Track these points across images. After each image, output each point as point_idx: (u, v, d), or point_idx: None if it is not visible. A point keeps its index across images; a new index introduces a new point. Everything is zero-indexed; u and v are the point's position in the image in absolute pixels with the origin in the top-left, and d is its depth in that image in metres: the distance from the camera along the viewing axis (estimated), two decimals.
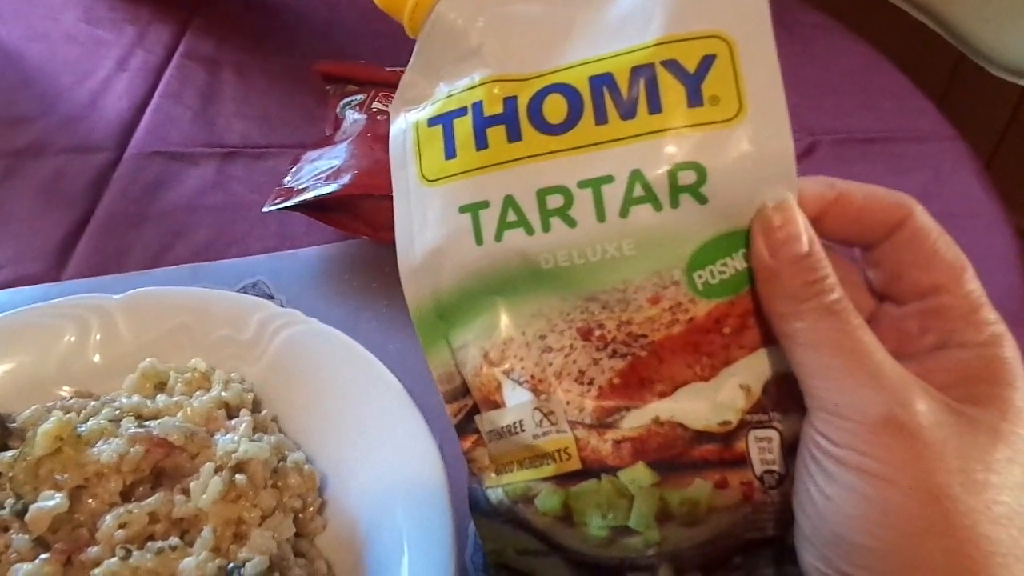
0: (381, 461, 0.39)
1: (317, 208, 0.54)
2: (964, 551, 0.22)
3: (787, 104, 0.26)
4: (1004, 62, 0.95)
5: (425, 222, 0.30)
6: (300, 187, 0.54)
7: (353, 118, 0.60)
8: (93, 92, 0.69)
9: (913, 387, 0.24)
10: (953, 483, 0.23)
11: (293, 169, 0.57)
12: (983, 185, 0.63)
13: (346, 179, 0.52)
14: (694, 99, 0.26)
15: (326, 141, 0.59)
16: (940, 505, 0.22)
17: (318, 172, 0.54)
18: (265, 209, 0.53)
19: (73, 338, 0.44)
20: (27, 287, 0.53)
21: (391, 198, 0.31)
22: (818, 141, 0.65)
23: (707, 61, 0.26)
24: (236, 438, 0.38)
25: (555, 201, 0.28)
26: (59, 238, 0.57)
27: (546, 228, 0.28)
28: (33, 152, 0.63)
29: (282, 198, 0.53)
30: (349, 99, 0.62)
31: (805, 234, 0.26)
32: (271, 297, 0.53)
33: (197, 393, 0.41)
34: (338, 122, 0.61)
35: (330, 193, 0.52)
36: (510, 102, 0.28)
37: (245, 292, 0.53)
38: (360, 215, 0.54)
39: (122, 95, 0.69)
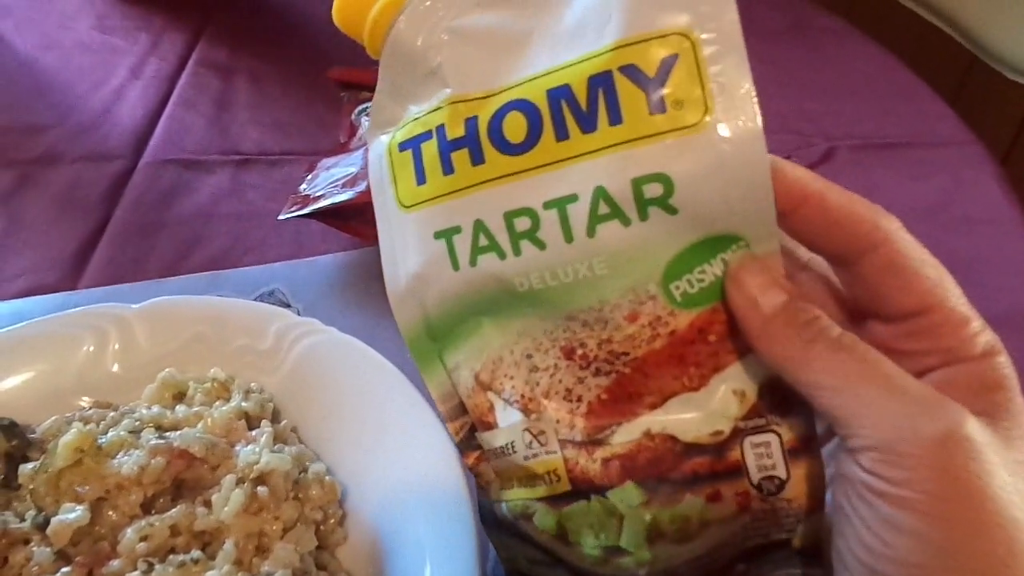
0: (402, 471, 0.39)
1: (333, 216, 0.53)
2: None
3: (758, 100, 0.24)
4: (1018, 64, 0.95)
5: (406, 248, 0.30)
6: (316, 195, 0.53)
7: (368, 125, 0.59)
8: (107, 100, 0.69)
9: (957, 405, 0.23)
10: (1012, 506, 0.22)
11: (309, 176, 0.57)
12: (1002, 190, 0.63)
13: (362, 186, 0.52)
14: (656, 106, 0.25)
15: (341, 148, 0.59)
16: (1005, 534, 0.22)
17: (334, 179, 0.54)
18: (281, 217, 0.53)
19: (92, 348, 0.43)
20: (44, 296, 0.53)
21: None
22: (836, 147, 0.64)
23: (668, 63, 0.25)
24: (257, 449, 0.37)
25: (523, 224, 0.27)
26: (75, 247, 0.57)
27: (517, 252, 0.27)
28: (48, 161, 0.63)
29: (298, 206, 0.53)
30: (364, 106, 0.62)
31: (778, 283, 0.25)
32: (288, 305, 0.53)
33: (217, 403, 0.41)
34: (353, 129, 0.61)
35: (346, 200, 0.51)
36: (471, 123, 0.28)
37: (262, 300, 0.53)
38: (376, 223, 0.54)
39: (136, 103, 0.69)
